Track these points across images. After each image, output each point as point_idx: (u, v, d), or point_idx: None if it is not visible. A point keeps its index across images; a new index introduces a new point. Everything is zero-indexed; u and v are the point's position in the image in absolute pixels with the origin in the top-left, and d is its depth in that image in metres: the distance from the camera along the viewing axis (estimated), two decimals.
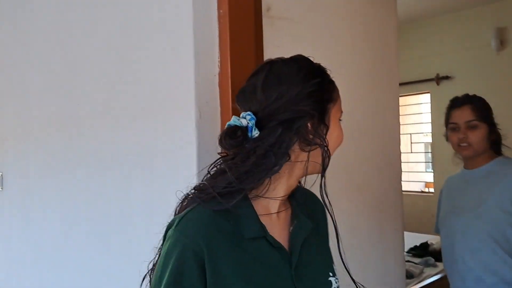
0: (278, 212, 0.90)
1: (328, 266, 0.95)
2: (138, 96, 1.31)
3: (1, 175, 2.18)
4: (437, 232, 1.97)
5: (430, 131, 4.78)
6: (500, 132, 1.79)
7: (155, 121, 1.25)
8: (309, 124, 0.84)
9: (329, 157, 0.86)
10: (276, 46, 1.25)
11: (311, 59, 0.90)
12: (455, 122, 1.75)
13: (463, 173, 1.85)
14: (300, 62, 0.88)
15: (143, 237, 1.29)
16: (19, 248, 2.00)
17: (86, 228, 1.57)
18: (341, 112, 0.92)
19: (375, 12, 1.74)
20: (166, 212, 0.94)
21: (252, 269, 0.81)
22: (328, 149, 0.86)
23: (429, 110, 4.78)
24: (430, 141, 4.87)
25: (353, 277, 0.94)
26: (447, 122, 1.82)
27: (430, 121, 4.72)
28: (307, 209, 0.97)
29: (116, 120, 1.40)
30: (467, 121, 1.72)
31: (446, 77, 4.53)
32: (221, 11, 1.14)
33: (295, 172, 0.88)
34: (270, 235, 0.85)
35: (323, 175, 0.87)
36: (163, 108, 1.22)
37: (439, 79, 4.58)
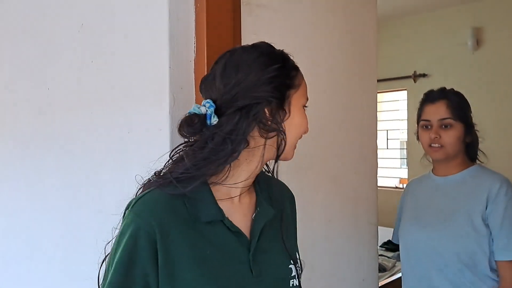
0: (239, 196, 0.90)
1: (289, 254, 0.95)
2: (110, 81, 1.27)
3: None
4: (396, 241, 1.79)
5: (406, 128, 4.85)
6: (477, 134, 1.61)
7: (127, 107, 1.21)
8: (266, 110, 0.84)
9: (285, 143, 0.86)
10: (254, 34, 1.23)
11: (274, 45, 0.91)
12: (428, 119, 1.57)
13: (432, 180, 1.65)
14: (260, 49, 0.88)
15: (114, 226, 1.25)
16: None
17: (55, 216, 1.52)
18: (306, 99, 0.91)
19: (355, 6, 1.73)
20: None
21: (206, 253, 0.82)
22: (284, 135, 0.86)
23: (406, 107, 4.85)
24: (406, 138, 4.95)
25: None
26: (419, 118, 1.63)
27: (406, 118, 4.79)
28: (273, 197, 0.97)
29: (88, 105, 1.35)
30: (441, 119, 1.53)
31: (423, 75, 4.59)
32: None
33: (255, 158, 0.87)
34: (228, 219, 0.85)
35: (276, 161, 0.88)
36: (136, 93, 1.18)
37: (416, 76, 4.64)
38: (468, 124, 1.57)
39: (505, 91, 4.04)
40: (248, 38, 1.19)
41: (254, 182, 0.94)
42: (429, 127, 1.56)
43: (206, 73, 1.09)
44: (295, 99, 0.88)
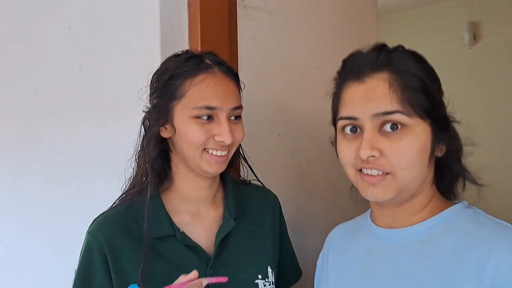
0: (204, 208, 0.90)
1: (258, 268, 0.91)
2: (99, 89, 1.20)
3: None
4: None
5: None
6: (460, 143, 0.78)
7: (118, 118, 1.15)
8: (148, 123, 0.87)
9: (151, 158, 0.85)
10: (251, 38, 1.17)
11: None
12: (353, 116, 0.74)
13: (370, 233, 0.82)
14: (162, 65, 0.88)
15: None
16: None
17: (45, 225, 1.46)
18: (201, 107, 0.81)
19: (355, 3, 1.67)
20: None
21: (156, 269, 0.82)
22: (150, 154, 0.85)
23: None
24: None
25: None
26: (336, 114, 0.79)
27: None
28: (247, 208, 0.94)
29: (76, 112, 1.29)
30: (379, 113, 0.71)
31: None
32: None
33: (180, 167, 0.87)
34: (182, 233, 0.84)
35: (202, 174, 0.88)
36: (128, 104, 1.12)
37: None
38: (441, 120, 0.75)
39: (503, 86, 4.01)
40: (245, 42, 1.13)
41: (225, 195, 0.92)
42: (356, 131, 0.75)
43: None
44: (179, 111, 0.82)
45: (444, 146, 0.76)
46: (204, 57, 0.84)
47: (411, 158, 0.71)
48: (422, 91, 0.72)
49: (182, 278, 0.73)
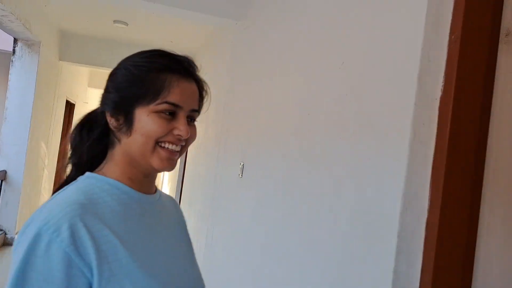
0: None
1: None
2: (360, 111, 1.42)
3: (243, 164, 2.65)
4: None
5: None
6: None
7: (370, 136, 1.34)
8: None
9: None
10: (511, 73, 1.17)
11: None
12: (179, 104, 0.94)
13: (138, 199, 0.97)
14: None
15: (350, 241, 1.39)
16: (250, 225, 2.40)
17: (301, 221, 1.75)
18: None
19: None
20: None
21: None
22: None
23: None
24: None
25: None
26: (151, 96, 0.93)
27: None
28: None
29: (338, 131, 1.55)
30: (193, 109, 0.98)
31: None
32: (453, 36, 1.15)
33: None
34: None
35: None
36: (380, 124, 1.30)
37: None
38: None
39: None
40: (503, 77, 1.15)
41: None
42: (173, 115, 0.95)
43: (450, 112, 1.12)
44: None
45: None
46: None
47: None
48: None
49: None
